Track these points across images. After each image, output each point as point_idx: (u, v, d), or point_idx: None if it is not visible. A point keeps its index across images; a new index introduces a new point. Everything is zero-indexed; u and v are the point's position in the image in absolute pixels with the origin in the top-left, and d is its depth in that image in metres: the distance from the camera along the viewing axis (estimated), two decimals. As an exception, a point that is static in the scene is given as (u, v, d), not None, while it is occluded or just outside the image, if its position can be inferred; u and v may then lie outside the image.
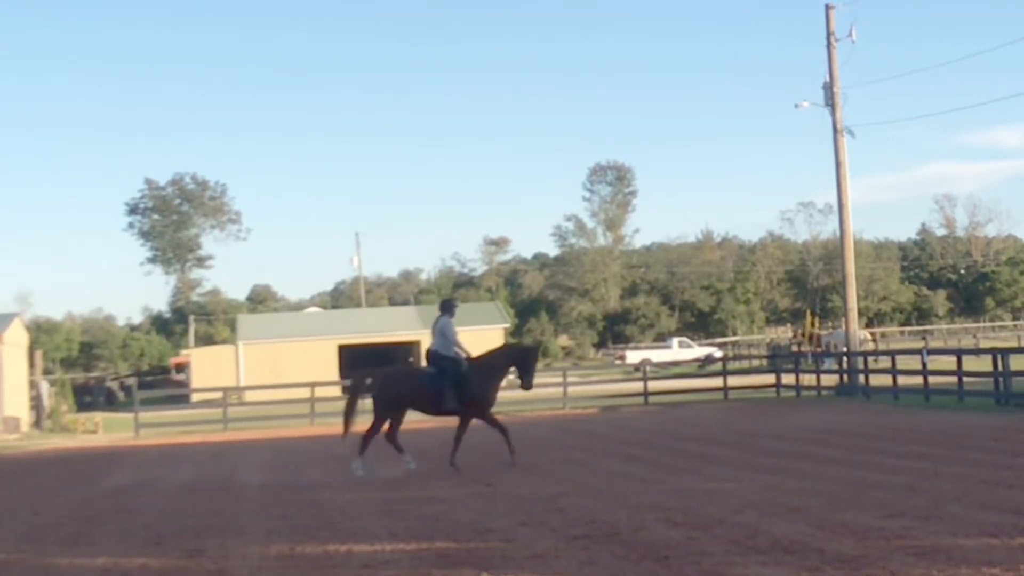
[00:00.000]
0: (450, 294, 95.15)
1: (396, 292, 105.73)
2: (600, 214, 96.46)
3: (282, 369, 49.18)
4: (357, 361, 51.59)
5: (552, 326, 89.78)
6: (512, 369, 16.27)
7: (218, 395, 35.05)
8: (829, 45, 31.39)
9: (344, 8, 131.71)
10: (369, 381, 16.01)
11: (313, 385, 31.87)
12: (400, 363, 54.41)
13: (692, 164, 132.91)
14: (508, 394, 37.13)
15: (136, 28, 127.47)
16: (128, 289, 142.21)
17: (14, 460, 23.89)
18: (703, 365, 46.12)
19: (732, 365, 40.37)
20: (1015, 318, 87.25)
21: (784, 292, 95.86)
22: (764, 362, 41.00)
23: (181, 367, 64.60)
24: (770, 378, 32.59)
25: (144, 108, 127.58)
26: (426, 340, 56.99)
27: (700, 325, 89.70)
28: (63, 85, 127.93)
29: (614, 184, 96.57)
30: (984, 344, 49.07)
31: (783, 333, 72.62)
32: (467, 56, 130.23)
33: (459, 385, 15.13)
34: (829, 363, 33.31)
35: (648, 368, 38.54)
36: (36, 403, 36.12)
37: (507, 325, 60.44)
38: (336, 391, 40.04)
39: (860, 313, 40.96)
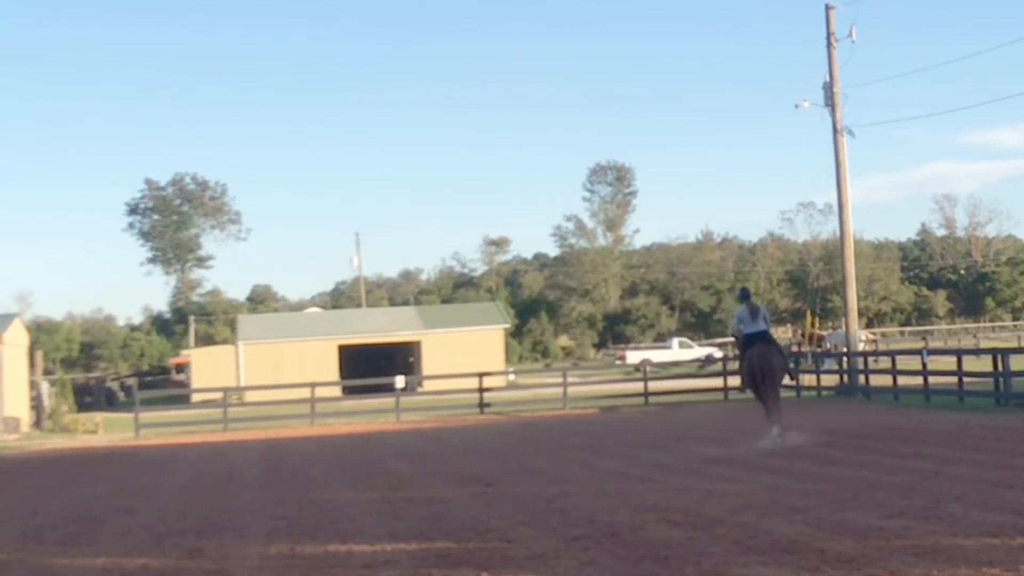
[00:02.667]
0: (450, 294, 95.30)
1: (396, 292, 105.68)
2: (600, 214, 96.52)
3: (282, 369, 49.18)
4: (357, 361, 51.61)
5: (552, 326, 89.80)
6: None
7: (218, 395, 35.04)
8: (829, 45, 31.38)
9: (344, 8, 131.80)
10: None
11: (313, 385, 31.83)
12: (405, 363, 54.43)
13: (692, 164, 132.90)
14: (509, 394, 37.21)
15: (136, 28, 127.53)
16: (128, 289, 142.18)
17: (14, 460, 23.89)
18: (703, 365, 46.08)
19: (732, 365, 40.28)
20: (1015, 318, 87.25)
21: (784, 292, 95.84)
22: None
23: (181, 367, 64.59)
24: (770, 378, 32.54)
25: (144, 108, 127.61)
26: (427, 340, 57.25)
27: (700, 325, 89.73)
28: (63, 85, 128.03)
29: (614, 184, 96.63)
30: (984, 344, 49.12)
31: (783, 333, 72.55)
32: (467, 56, 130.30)
33: None
34: (829, 363, 33.33)
35: (648, 368, 38.53)
36: (36, 403, 36.12)
37: (507, 325, 60.44)
38: (336, 391, 40.12)
39: (860, 313, 40.95)
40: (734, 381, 32.02)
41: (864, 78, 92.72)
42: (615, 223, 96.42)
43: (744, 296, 17.93)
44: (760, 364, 16.49)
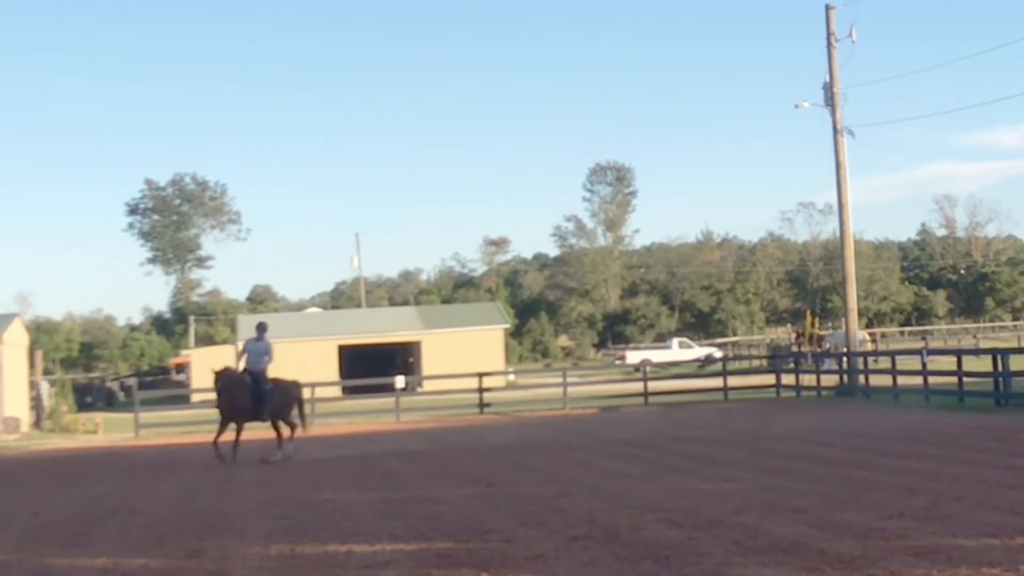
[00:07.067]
0: (450, 295, 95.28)
1: (396, 292, 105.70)
2: (600, 214, 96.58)
3: (282, 369, 49.01)
4: (357, 362, 51.56)
5: (552, 326, 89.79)
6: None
7: (218, 395, 34.92)
8: (829, 45, 31.37)
9: (344, 8, 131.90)
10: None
11: (313, 385, 31.77)
12: (405, 363, 54.38)
13: (692, 164, 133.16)
14: (510, 394, 37.22)
15: (136, 28, 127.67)
16: (128, 289, 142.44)
17: (14, 460, 23.88)
18: (703, 365, 46.13)
19: (732, 365, 40.37)
20: (1015, 318, 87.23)
21: (784, 292, 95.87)
22: (764, 362, 41.02)
23: (181, 367, 64.60)
24: (770, 378, 32.59)
25: (144, 108, 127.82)
26: (427, 340, 57.27)
27: (700, 325, 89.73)
28: (63, 85, 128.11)
29: (614, 184, 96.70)
30: (984, 344, 49.08)
31: (783, 333, 72.56)
32: (467, 56, 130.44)
33: None
34: (829, 363, 33.32)
35: (648, 368, 38.53)
36: (36, 403, 36.11)
37: (507, 325, 60.40)
38: (336, 391, 40.10)
39: (860, 313, 40.94)
40: (734, 381, 32.16)
41: (864, 78, 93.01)
42: (615, 223, 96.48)
43: (263, 329, 19.83)
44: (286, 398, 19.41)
